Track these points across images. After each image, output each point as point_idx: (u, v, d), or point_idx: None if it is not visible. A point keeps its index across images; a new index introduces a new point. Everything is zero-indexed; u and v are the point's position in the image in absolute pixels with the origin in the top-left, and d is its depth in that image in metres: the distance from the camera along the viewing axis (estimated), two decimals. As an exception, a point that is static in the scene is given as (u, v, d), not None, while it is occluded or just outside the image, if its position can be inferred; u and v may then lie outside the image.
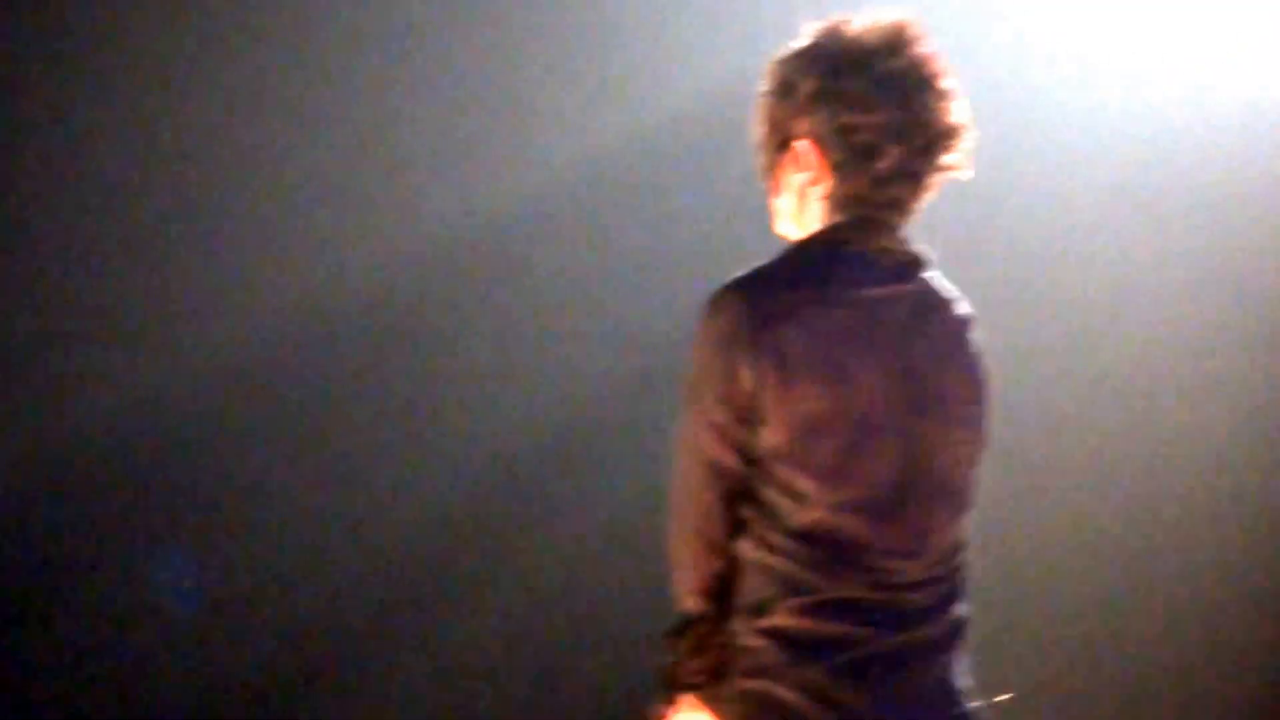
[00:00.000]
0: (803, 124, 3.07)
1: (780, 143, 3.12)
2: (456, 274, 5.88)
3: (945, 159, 3.07)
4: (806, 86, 3.06)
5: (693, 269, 5.49)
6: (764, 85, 3.15)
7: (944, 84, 3.07)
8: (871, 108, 3.02)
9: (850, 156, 3.04)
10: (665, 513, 3.12)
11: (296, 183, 5.61)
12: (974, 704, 3.10)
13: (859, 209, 3.06)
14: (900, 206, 3.09)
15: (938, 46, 3.09)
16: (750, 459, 3.00)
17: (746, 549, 3.03)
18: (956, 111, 3.07)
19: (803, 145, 3.08)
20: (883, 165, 3.04)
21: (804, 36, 3.13)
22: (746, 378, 2.96)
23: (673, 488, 3.07)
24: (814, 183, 3.09)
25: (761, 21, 5.60)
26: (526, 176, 5.88)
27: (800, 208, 3.12)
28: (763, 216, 3.23)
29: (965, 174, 3.10)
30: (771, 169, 3.16)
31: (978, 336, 3.15)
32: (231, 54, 5.56)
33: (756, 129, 3.17)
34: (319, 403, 5.73)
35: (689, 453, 3.04)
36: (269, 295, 5.63)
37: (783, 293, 2.99)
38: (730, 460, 3.01)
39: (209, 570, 5.56)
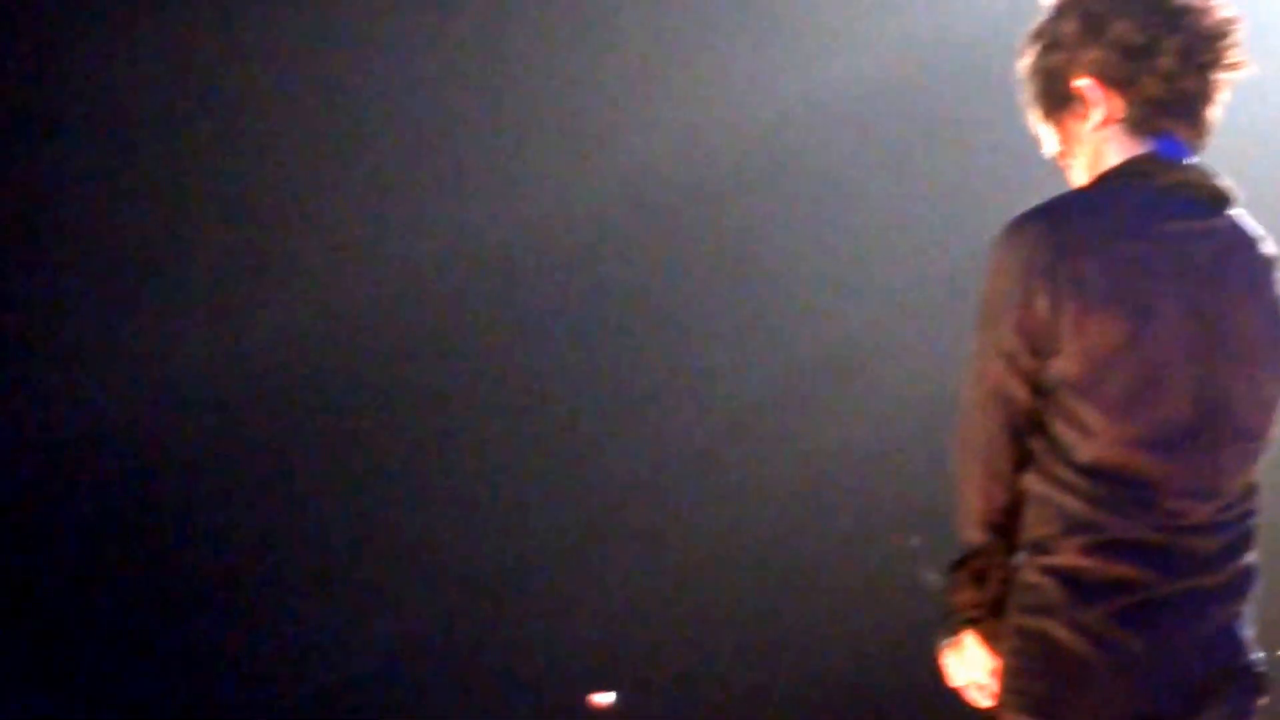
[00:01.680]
0: (1079, 64, 3.05)
1: (1061, 96, 3.08)
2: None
3: (1226, 51, 3.02)
4: (1069, 28, 3.05)
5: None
6: (1026, 58, 3.13)
7: None
8: (1135, 12, 3.00)
9: (1132, 64, 3.00)
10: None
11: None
12: (1259, 655, 3.02)
13: (1158, 119, 3.01)
14: (1195, 107, 3.03)
15: None
16: (1039, 390, 2.94)
17: (1032, 483, 2.96)
18: (1222, 6, 3.04)
19: (1084, 83, 3.04)
20: (1165, 60, 2.99)
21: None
22: (1043, 306, 2.89)
23: (959, 416, 3.02)
24: (1108, 119, 3.03)
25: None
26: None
27: (1098, 154, 3.06)
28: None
29: (1249, 70, 3.05)
30: (1060, 132, 3.11)
31: (1282, 277, 3.07)
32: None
33: (1031, 108, 3.14)
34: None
35: (978, 381, 2.98)
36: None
37: (1083, 223, 2.92)
38: (1019, 390, 2.95)
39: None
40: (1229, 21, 3.04)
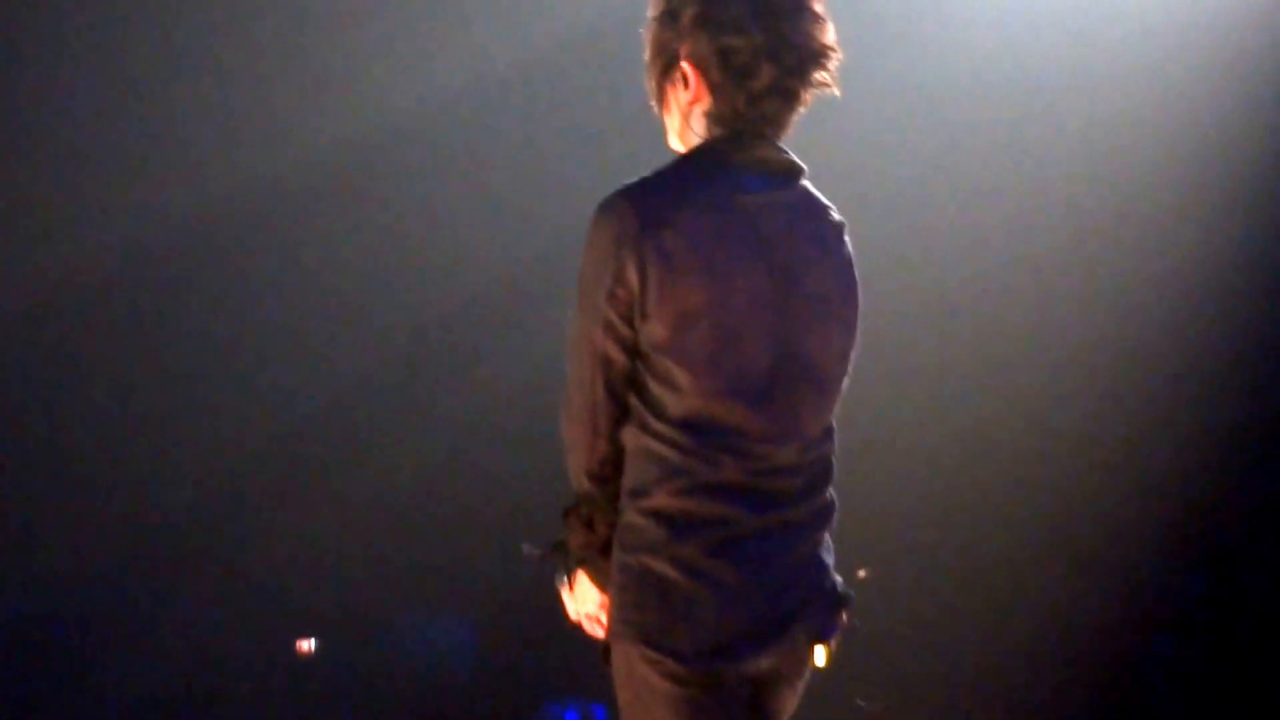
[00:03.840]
0: (686, 47, 3.29)
1: (665, 65, 3.34)
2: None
3: (817, 77, 3.31)
4: (689, 12, 3.29)
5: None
6: (651, 11, 3.36)
7: (816, 8, 3.30)
8: (747, 31, 3.24)
9: (728, 77, 3.27)
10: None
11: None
12: (837, 578, 3.38)
13: (736, 124, 3.29)
14: (775, 121, 3.32)
15: None
16: (635, 353, 3.24)
17: (631, 436, 3.27)
18: (827, 34, 3.31)
19: (686, 67, 3.31)
20: (758, 84, 3.26)
21: None
22: (633, 277, 3.19)
23: (567, 380, 3.31)
24: (695, 101, 3.31)
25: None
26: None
27: (685, 125, 3.35)
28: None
29: (834, 92, 3.33)
30: (659, 89, 3.37)
31: (850, 242, 3.39)
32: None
33: (645, 52, 3.38)
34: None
35: (580, 347, 3.27)
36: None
37: (668, 199, 3.22)
38: (617, 354, 3.24)
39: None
40: (827, 50, 3.29)
